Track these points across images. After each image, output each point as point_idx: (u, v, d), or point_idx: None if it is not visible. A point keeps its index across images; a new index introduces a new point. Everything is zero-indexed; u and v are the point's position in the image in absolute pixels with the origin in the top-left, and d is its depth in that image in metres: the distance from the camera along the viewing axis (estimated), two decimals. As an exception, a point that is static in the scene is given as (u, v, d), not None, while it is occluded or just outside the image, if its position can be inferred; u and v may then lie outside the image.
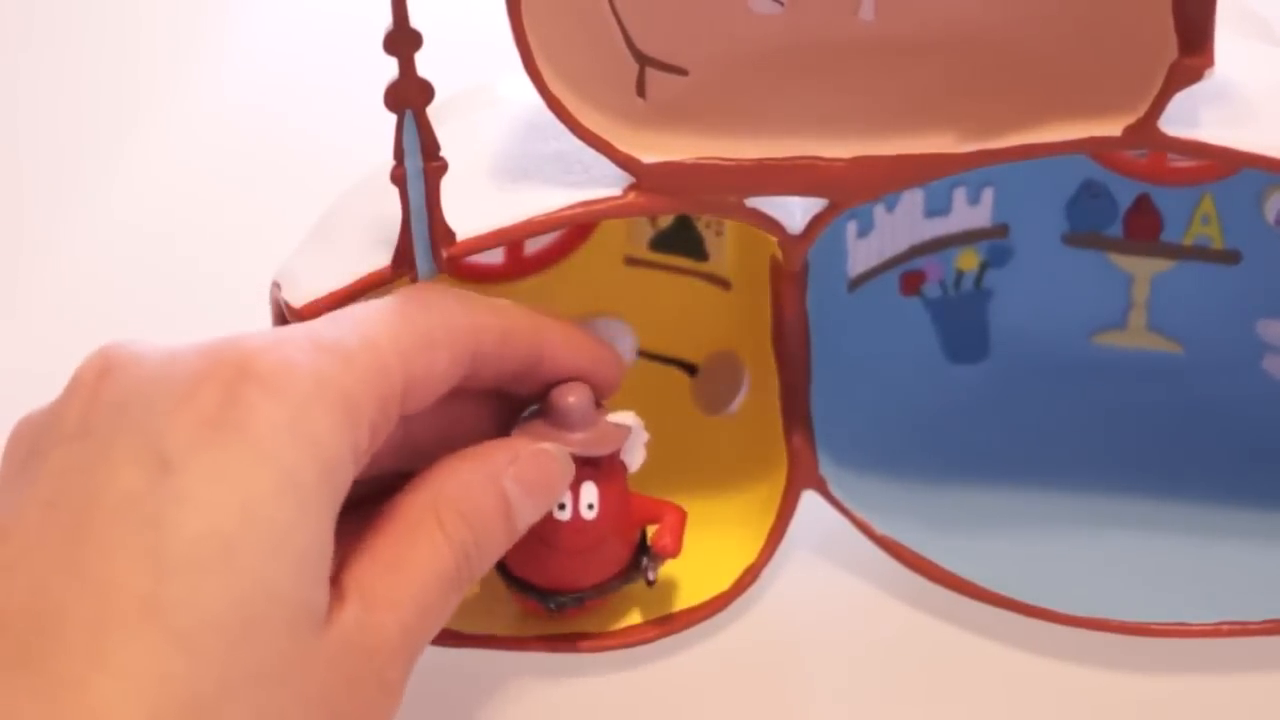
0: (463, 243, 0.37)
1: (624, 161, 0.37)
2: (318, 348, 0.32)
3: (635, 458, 0.40)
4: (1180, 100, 0.35)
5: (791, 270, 0.40)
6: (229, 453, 0.30)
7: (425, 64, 0.34)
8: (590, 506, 0.38)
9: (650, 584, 0.40)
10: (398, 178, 0.35)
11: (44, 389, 0.33)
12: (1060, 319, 0.47)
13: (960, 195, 0.46)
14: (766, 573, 0.43)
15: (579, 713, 0.42)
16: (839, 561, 0.44)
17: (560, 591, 0.40)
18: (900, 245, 0.46)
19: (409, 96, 0.34)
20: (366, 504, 0.34)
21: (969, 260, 0.47)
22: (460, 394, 0.36)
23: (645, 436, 0.40)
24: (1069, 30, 0.36)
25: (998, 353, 0.48)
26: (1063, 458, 0.45)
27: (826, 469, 0.42)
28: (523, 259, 0.45)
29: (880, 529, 0.42)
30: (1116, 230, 0.47)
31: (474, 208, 0.37)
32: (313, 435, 0.31)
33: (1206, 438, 0.46)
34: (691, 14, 0.37)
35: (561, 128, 0.37)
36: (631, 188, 0.38)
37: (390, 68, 0.34)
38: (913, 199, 0.46)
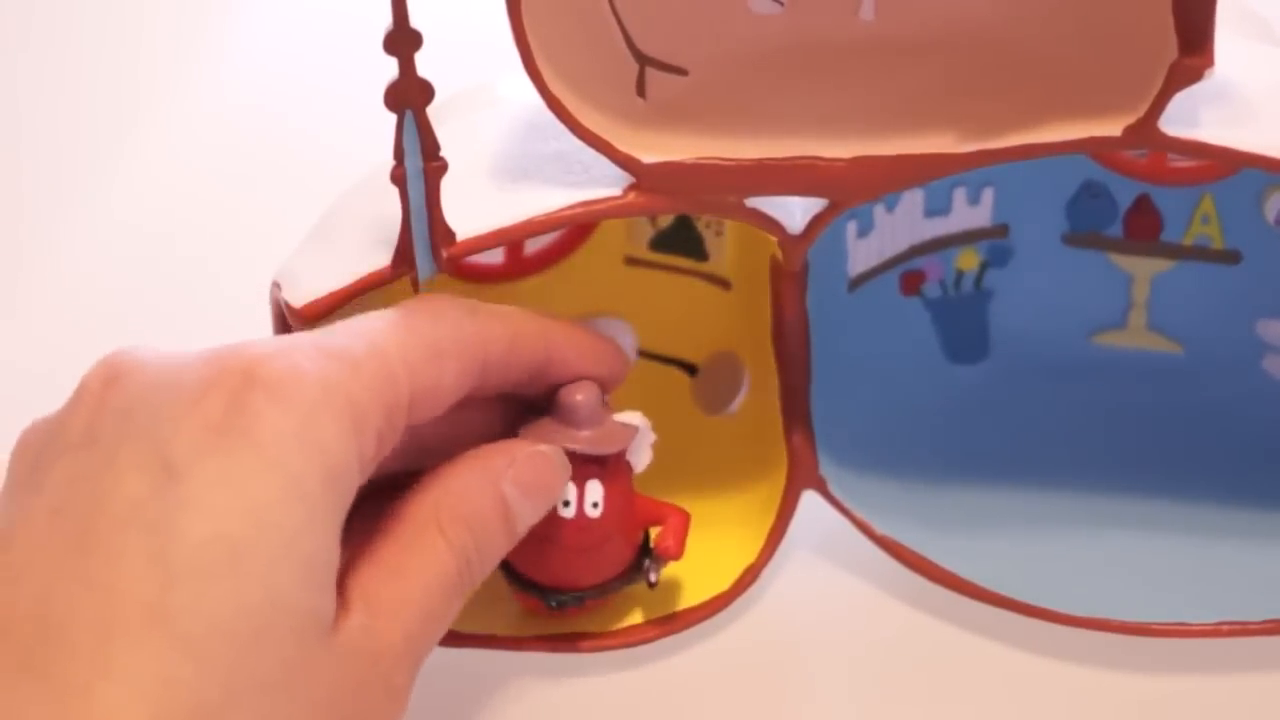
0: (463, 243, 0.37)
1: (624, 161, 0.37)
2: (325, 355, 0.32)
3: (642, 458, 0.40)
4: (1180, 100, 0.35)
5: (791, 270, 0.40)
6: (235, 459, 0.30)
7: (425, 64, 0.34)
8: (595, 505, 0.38)
9: (652, 586, 0.40)
10: (398, 178, 0.35)
11: (44, 389, 0.33)
12: (1060, 319, 0.47)
13: (960, 195, 0.46)
14: (766, 573, 0.43)
15: (579, 713, 0.42)
16: (839, 561, 0.44)
17: (562, 589, 0.40)
18: (900, 245, 0.46)
19: (409, 96, 0.34)
20: (370, 502, 0.34)
21: (969, 260, 0.47)
22: (468, 398, 0.36)
23: (652, 437, 0.40)
24: (1069, 30, 0.36)
25: (998, 353, 0.48)
26: (1063, 458, 0.46)
27: (826, 469, 0.42)
28: (523, 259, 0.45)
29: (880, 529, 0.42)
30: (1116, 230, 0.47)
31: (474, 208, 0.37)
32: (319, 442, 0.31)
33: (1206, 438, 0.46)
34: (691, 14, 0.37)
35: (561, 128, 0.37)
36: (631, 188, 0.38)
37: (390, 68, 0.34)
38: (913, 199, 0.46)
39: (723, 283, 0.46)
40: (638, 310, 0.46)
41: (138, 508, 0.30)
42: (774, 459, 0.43)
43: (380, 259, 0.37)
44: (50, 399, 0.34)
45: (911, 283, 0.47)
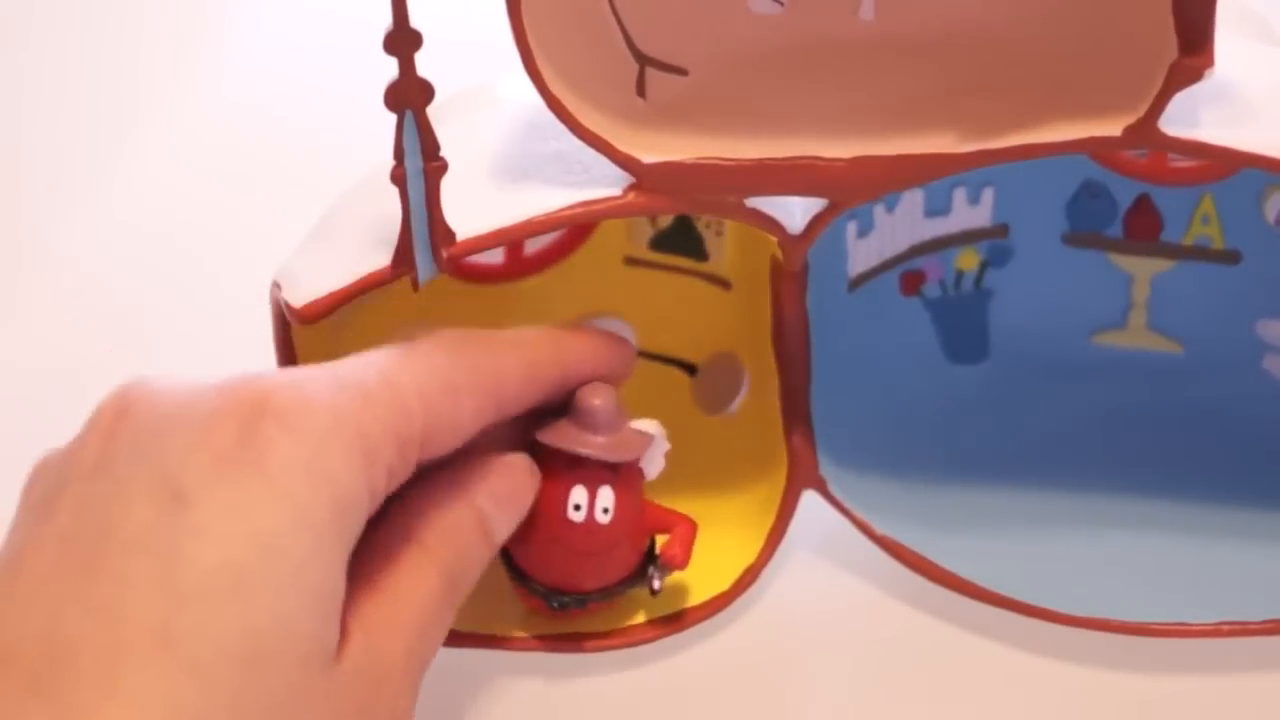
0: (463, 243, 0.37)
1: (624, 161, 0.37)
2: (337, 386, 0.32)
3: (654, 467, 0.40)
4: (1180, 100, 0.35)
5: (791, 270, 0.40)
6: (244, 488, 0.30)
7: (425, 64, 0.34)
8: (605, 510, 0.39)
9: (654, 593, 0.40)
10: (398, 178, 0.35)
11: (44, 388, 0.33)
12: (1060, 319, 0.47)
13: (960, 195, 0.46)
14: (766, 573, 0.43)
15: (579, 713, 0.42)
16: (839, 561, 0.44)
17: (565, 591, 0.40)
18: (900, 245, 0.46)
19: (409, 96, 0.34)
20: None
21: (969, 260, 0.47)
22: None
23: (666, 446, 0.40)
24: (1069, 30, 0.36)
25: (998, 353, 0.48)
26: (1063, 458, 0.46)
27: (826, 469, 0.42)
28: (523, 259, 0.45)
29: (880, 529, 0.42)
30: (1116, 230, 0.47)
31: (474, 208, 0.37)
32: (329, 473, 0.31)
33: (1206, 438, 0.46)
34: (691, 14, 0.37)
35: (561, 128, 0.37)
36: (631, 188, 0.38)
37: (390, 68, 0.34)
38: (913, 199, 0.46)
39: (723, 283, 0.46)
40: (638, 310, 0.46)
41: (146, 534, 0.30)
42: (774, 459, 0.43)
43: (380, 259, 0.37)
44: (50, 399, 0.34)
45: (911, 283, 0.47)
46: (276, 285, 0.38)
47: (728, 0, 0.37)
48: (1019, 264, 0.47)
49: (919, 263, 0.47)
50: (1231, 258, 0.46)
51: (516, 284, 0.45)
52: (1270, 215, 0.45)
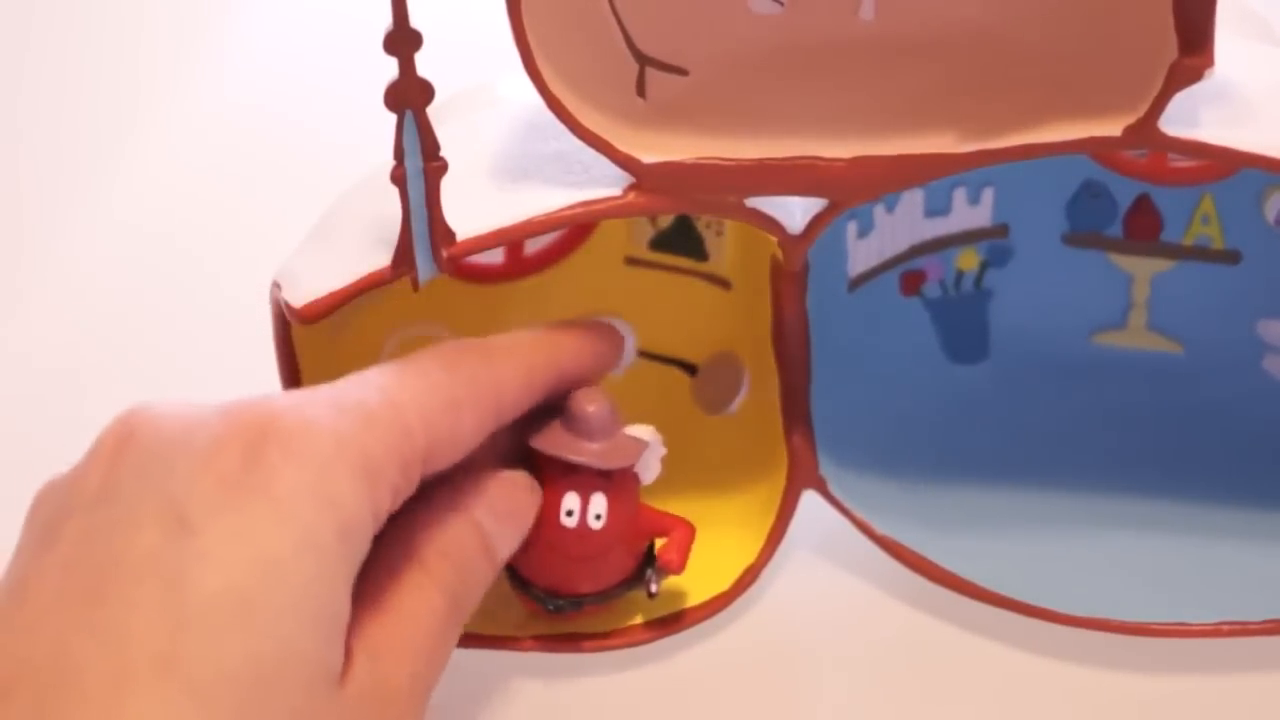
0: (463, 243, 0.37)
1: (624, 161, 0.37)
2: (339, 409, 0.32)
3: (650, 472, 0.40)
4: (1180, 100, 0.35)
5: (791, 270, 0.40)
6: (249, 513, 0.30)
7: (425, 64, 0.34)
8: (598, 517, 0.38)
9: (651, 596, 0.40)
10: (398, 178, 0.35)
11: (45, 388, 0.33)
12: (1060, 319, 0.47)
13: (960, 195, 0.46)
14: (766, 573, 0.43)
15: (579, 713, 0.42)
16: (839, 561, 0.44)
17: (560, 594, 0.40)
18: (900, 245, 0.46)
19: (409, 96, 0.34)
20: None
21: (969, 260, 0.47)
22: None
23: (662, 451, 0.40)
24: (1069, 30, 0.36)
25: (998, 353, 0.48)
26: (1063, 458, 0.46)
27: (826, 469, 0.42)
28: (523, 259, 0.45)
29: (880, 529, 0.42)
30: (1116, 230, 0.47)
31: (474, 208, 0.37)
32: (333, 496, 0.31)
33: (1206, 438, 0.46)
34: (691, 14, 0.37)
35: (561, 128, 0.37)
36: (631, 188, 0.38)
37: (390, 68, 0.34)
38: (913, 199, 0.46)
39: (723, 283, 0.46)
40: (638, 310, 0.46)
41: (151, 560, 0.30)
42: (774, 459, 0.43)
43: (380, 259, 0.37)
44: (51, 398, 0.34)
45: (911, 283, 0.47)
46: (276, 285, 0.38)
47: (728, 0, 0.37)
48: (1019, 264, 0.47)
49: (919, 263, 0.47)
50: (1231, 258, 0.46)
51: (516, 284, 0.45)
52: (1270, 215, 0.45)
